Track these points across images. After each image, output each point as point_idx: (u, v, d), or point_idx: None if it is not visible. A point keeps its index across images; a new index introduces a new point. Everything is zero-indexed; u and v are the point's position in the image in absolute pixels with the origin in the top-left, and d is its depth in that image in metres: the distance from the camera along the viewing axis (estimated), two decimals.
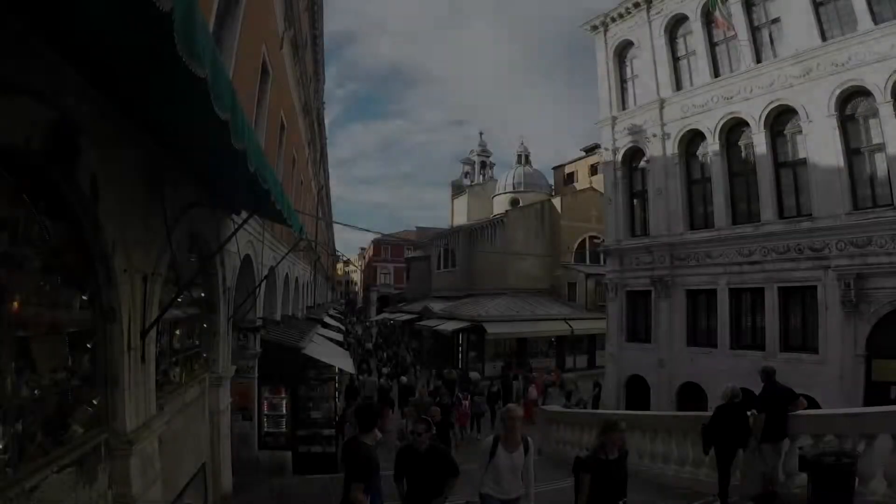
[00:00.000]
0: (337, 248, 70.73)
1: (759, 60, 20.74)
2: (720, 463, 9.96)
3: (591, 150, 49.88)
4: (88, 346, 5.19)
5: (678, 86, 23.78)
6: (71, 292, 4.99)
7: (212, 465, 9.95)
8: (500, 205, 54.59)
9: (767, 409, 9.71)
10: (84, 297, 5.11)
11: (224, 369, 10.29)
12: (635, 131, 25.00)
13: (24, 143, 3.65)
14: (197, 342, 9.38)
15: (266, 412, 15.47)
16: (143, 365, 5.83)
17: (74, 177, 4.37)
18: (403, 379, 26.28)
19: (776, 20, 20.34)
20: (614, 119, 26.06)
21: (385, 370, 31.85)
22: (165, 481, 6.68)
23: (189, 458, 8.52)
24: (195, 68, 2.79)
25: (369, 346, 45.61)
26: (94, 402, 5.25)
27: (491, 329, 36.73)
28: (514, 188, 55.03)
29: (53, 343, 4.72)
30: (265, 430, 15.33)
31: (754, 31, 21.14)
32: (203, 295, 9.50)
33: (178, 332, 8.30)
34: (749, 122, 20.63)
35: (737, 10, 21.08)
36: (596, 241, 40.83)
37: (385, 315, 66.46)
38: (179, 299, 7.29)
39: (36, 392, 4.29)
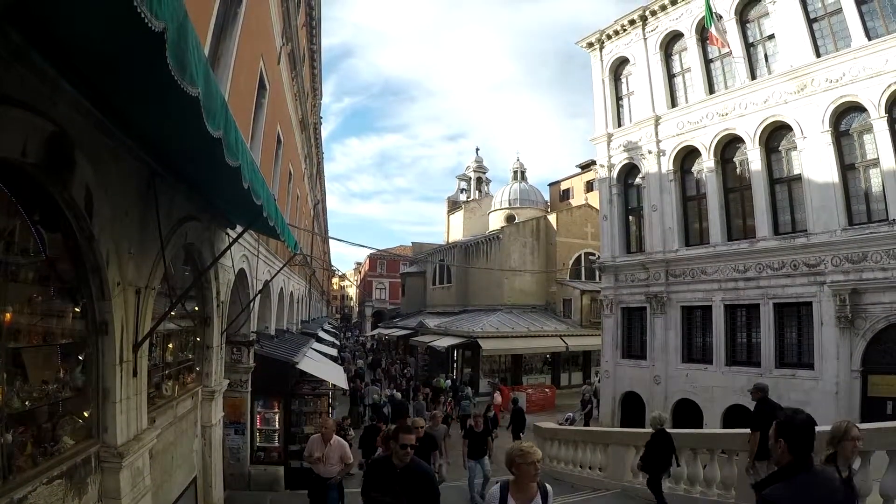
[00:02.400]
0: (332, 262, 70.71)
1: (753, 77, 20.86)
2: (654, 481, 11.18)
3: (586, 166, 49.97)
4: (80, 358, 5.19)
5: (673, 102, 23.88)
6: (64, 304, 4.99)
7: (203, 479, 9.91)
8: (495, 221, 54.61)
9: (761, 427, 9.70)
10: (77, 309, 5.10)
11: (217, 383, 10.26)
12: (631, 148, 25.08)
13: (20, 154, 3.65)
14: (190, 355, 9.36)
15: (259, 426, 15.40)
16: (135, 378, 5.82)
17: (69, 189, 4.38)
18: (397, 394, 26.20)
19: (771, 37, 20.48)
20: (610, 136, 26.13)
21: (387, 391, 31.65)
22: (156, 495, 6.66)
23: (180, 472, 8.49)
24: (187, 86, 2.81)
25: (361, 363, 44.67)
26: (86, 414, 5.24)
27: (486, 345, 36.65)
28: (509, 204, 55.02)
29: (45, 354, 4.72)
30: (257, 444, 15.26)
31: (749, 47, 21.28)
32: (196, 308, 9.49)
33: (171, 345, 8.29)
34: (744, 138, 20.71)
35: (731, 26, 21.21)
36: (591, 257, 40.82)
37: (380, 330, 66.42)
38: (173, 313, 7.27)
39: (27, 403, 4.28)
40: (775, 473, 3.72)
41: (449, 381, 35.60)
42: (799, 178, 19.24)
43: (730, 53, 21.38)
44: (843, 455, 5.53)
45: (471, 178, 67.92)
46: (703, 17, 21.10)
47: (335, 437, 10.26)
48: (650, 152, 24.01)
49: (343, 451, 10.13)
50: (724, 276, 21.02)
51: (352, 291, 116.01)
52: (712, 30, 20.55)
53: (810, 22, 19.06)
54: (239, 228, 9.17)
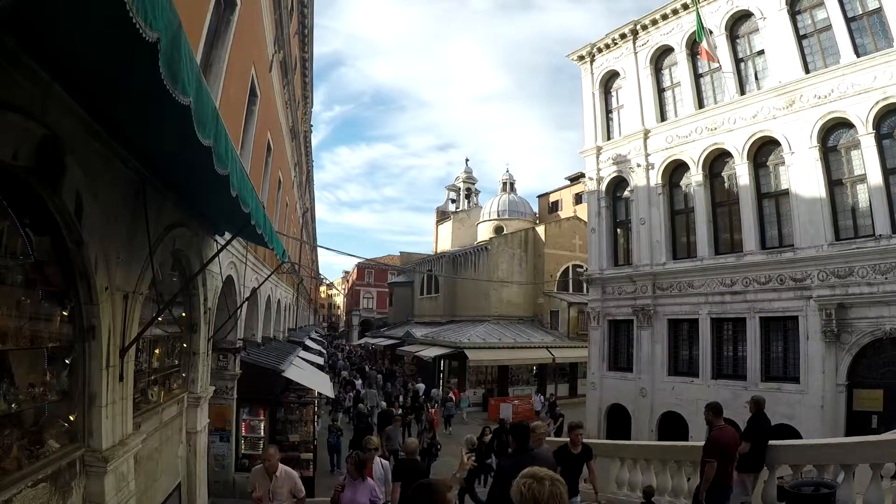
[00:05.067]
0: (320, 271, 70.58)
1: (742, 92, 21.00)
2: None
3: (575, 178, 50.01)
4: (67, 361, 5.18)
5: (663, 116, 24.00)
6: (52, 308, 4.99)
7: (187, 485, 9.87)
8: (484, 232, 54.67)
9: (753, 439, 9.76)
10: (64, 313, 5.10)
11: (202, 390, 10.23)
12: (620, 161, 25.17)
13: (11, 158, 3.66)
14: (176, 361, 9.33)
15: (244, 434, 15.37)
16: (122, 383, 5.80)
17: (60, 193, 4.38)
18: (383, 405, 26.17)
19: (760, 52, 20.65)
20: (599, 149, 26.21)
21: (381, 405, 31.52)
22: (140, 500, 6.64)
23: (165, 478, 8.45)
24: (179, 96, 2.83)
25: (346, 374, 43.65)
26: (71, 418, 5.23)
27: (472, 356, 36.64)
28: (498, 215, 55.10)
29: (32, 357, 4.72)
30: (242, 451, 15.20)
31: (738, 62, 21.45)
32: (184, 315, 9.46)
33: (157, 350, 8.27)
34: (732, 153, 20.83)
35: (721, 42, 21.37)
36: (579, 269, 40.87)
37: (367, 339, 66.31)
38: (160, 319, 7.26)
39: (13, 406, 4.27)
40: (509, 453, 6.86)
41: (422, 386, 35.90)
42: (786, 192, 19.35)
43: (719, 68, 21.51)
44: None
45: (460, 189, 68.02)
46: (694, 32, 21.26)
47: (282, 467, 8.50)
48: (639, 166, 24.11)
49: (293, 484, 8.44)
50: (711, 289, 21.09)
51: (339, 300, 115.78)
52: (703, 44, 20.67)
53: (800, 38, 19.24)
54: (227, 236, 9.17)
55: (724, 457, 8.90)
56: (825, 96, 18.18)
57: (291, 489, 8.35)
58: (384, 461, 9.70)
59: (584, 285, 30.07)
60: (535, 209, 58.46)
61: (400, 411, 25.42)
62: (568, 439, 9.94)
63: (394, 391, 36.30)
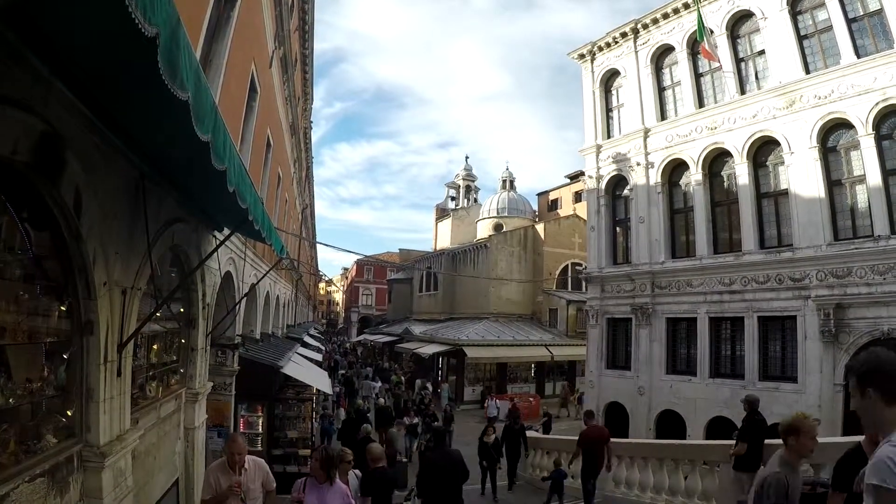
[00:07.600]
0: (320, 267, 70.59)
1: (742, 92, 21.01)
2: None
3: (575, 177, 50.01)
4: (65, 357, 5.17)
5: (663, 115, 24.01)
6: (50, 302, 4.97)
7: (185, 481, 9.87)
8: (483, 229, 54.64)
9: (748, 439, 9.78)
10: (62, 308, 5.08)
11: (201, 385, 10.21)
12: (619, 160, 25.17)
13: (10, 153, 3.65)
14: (174, 357, 9.31)
15: (242, 430, 15.34)
16: (119, 378, 5.79)
17: (59, 188, 4.36)
18: (381, 401, 26.13)
19: (761, 52, 20.66)
20: (599, 147, 26.22)
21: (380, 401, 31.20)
22: (138, 496, 6.63)
23: (162, 474, 8.45)
24: (177, 91, 2.82)
25: (343, 372, 42.74)
26: (69, 413, 5.21)
27: (471, 353, 36.66)
28: (497, 213, 55.08)
29: (30, 352, 4.70)
30: None
31: (739, 62, 21.46)
32: (182, 310, 9.45)
33: (155, 346, 8.25)
34: (732, 152, 20.84)
35: (722, 41, 21.38)
36: (578, 267, 40.87)
37: (365, 336, 66.35)
38: (158, 314, 7.25)
39: (10, 400, 4.26)
40: (432, 448, 9.13)
41: (403, 378, 37.26)
42: (786, 192, 19.38)
43: (720, 68, 21.50)
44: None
45: (459, 186, 68.01)
46: (694, 32, 21.24)
47: (250, 457, 7.38)
48: (639, 164, 24.12)
49: (265, 476, 7.37)
50: (710, 288, 21.10)
51: (338, 297, 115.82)
52: (704, 44, 20.66)
53: (800, 39, 19.25)
54: (226, 231, 9.16)
55: (592, 446, 12.10)
56: (825, 97, 18.19)
57: (263, 481, 7.28)
58: (357, 472, 9.20)
59: (583, 283, 30.07)
60: (535, 207, 58.50)
61: (416, 420, 24.68)
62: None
63: (395, 389, 35.85)
